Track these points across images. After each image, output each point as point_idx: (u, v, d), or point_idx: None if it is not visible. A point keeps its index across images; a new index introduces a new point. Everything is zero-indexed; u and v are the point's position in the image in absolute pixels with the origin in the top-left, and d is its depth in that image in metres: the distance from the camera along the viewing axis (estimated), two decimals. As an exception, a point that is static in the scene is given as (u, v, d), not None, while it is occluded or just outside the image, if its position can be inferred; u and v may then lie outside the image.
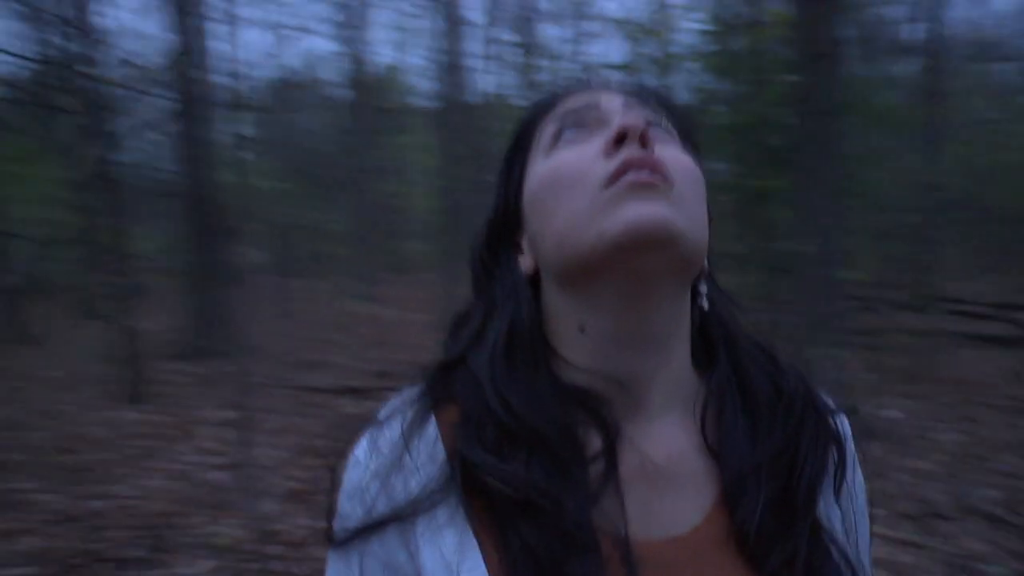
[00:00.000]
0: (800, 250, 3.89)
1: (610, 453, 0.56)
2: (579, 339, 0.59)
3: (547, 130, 0.61)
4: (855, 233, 6.35)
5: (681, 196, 0.55)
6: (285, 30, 18.71)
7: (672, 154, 0.58)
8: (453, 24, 9.87)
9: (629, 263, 0.54)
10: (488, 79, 12.07)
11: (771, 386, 0.63)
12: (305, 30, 15.72)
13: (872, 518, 0.68)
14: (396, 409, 0.61)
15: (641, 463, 0.57)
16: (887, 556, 3.53)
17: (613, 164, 0.54)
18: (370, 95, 16.17)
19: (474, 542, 0.53)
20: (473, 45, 10.50)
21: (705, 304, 0.64)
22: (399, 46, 22.28)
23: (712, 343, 0.65)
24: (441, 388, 0.60)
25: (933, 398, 6.12)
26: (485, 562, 0.52)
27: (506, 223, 0.66)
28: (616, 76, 0.64)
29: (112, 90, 6.16)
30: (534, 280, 0.64)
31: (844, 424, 0.66)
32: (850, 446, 0.66)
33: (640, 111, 0.61)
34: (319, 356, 8.83)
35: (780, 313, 4.79)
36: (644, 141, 0.55)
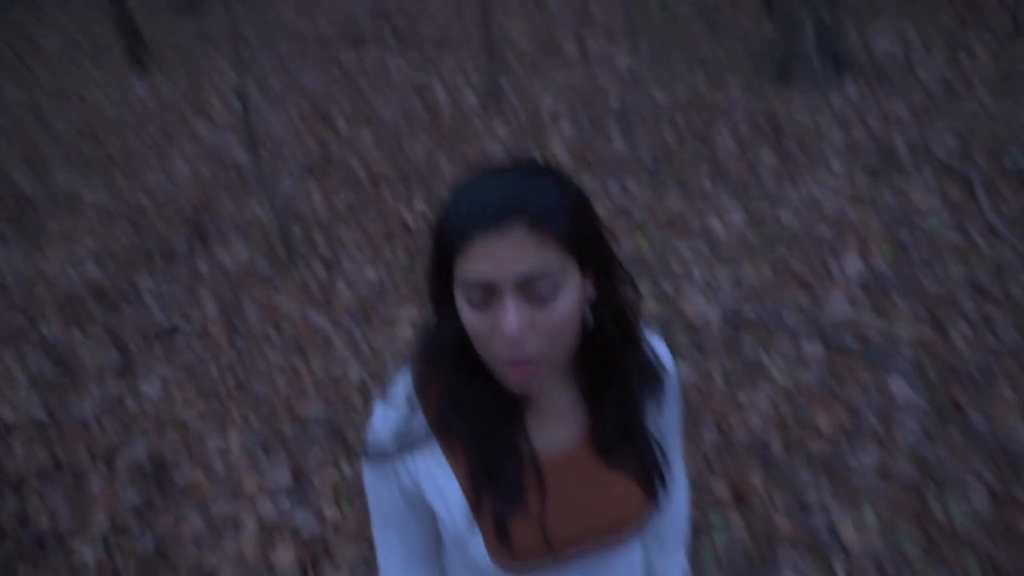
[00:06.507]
0: None
1: (522, 410, 0.88)
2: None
3: (460, 286, 0.76)
4: None
5: (548, 352, 0.76)
6: None
7: (545, 318, 0.75)
8: None
9: None
10: None
11: (628, 359, 0.89)
12: None
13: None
14: (398, 392, 0.90)
15: (542, 411, 0.90)
16: (836, 213, 3.83)
17: (503, 354, 0.76)
18: None
19: (448, 467, 0.87)
20: None
21: (590, 323, 0.85)
22: None
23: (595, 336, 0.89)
24: (428, 370, 0.88)
25: (932, 22, 5.73)
26: (456, 476, 0.86)
27: (442, 286, 0.82)
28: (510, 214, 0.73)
29: None
30: None
31: (672, 375, 0.98)
32: (673, 387, 0.98)
33: (524, 294, 0.74)
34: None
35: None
36: (524, 340, 0.75)
